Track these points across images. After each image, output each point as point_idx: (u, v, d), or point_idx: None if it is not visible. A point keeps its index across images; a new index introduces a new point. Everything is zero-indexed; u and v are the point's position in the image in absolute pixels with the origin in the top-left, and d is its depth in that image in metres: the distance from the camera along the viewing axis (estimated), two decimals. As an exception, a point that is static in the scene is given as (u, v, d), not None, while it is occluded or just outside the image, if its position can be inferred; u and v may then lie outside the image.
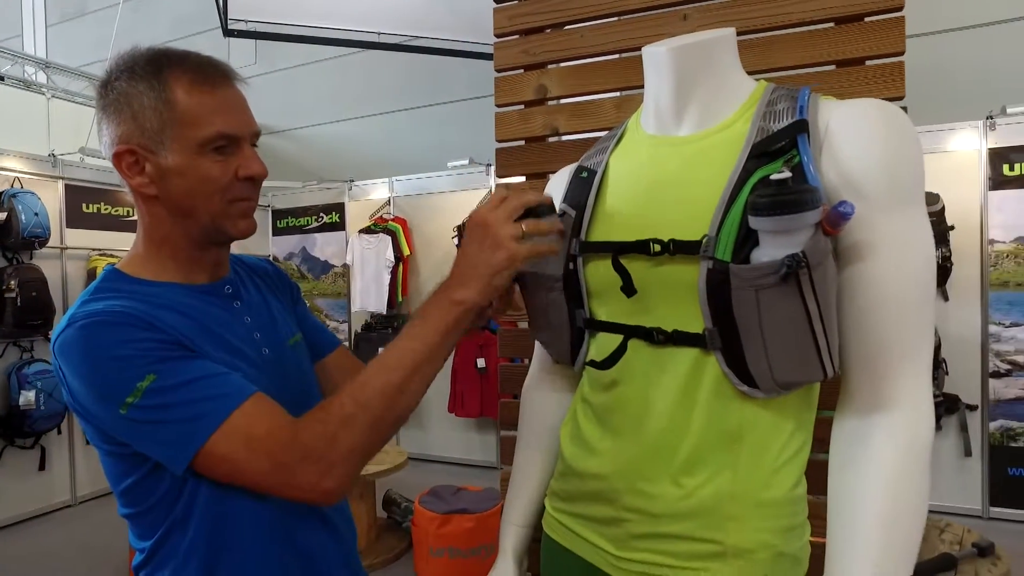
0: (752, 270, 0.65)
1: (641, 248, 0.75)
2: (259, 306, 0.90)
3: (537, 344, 0.98)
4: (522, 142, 1.30)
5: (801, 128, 0.68)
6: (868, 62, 1.04)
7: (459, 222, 4.31)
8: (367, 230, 4.67)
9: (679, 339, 0.74)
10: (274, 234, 5.23)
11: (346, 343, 4.82)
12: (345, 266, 4.83)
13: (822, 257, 0.64)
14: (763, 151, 0.69)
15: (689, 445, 0.74)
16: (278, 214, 5.20)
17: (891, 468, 0.67)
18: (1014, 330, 3.27)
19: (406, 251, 4.57)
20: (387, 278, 4.53)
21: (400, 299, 4.58)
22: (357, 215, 4.90)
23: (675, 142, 0.79)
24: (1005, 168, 3.26)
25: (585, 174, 0.87)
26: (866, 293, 0.68)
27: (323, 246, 5.07)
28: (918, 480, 0.67)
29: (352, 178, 4.96)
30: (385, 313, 4.59)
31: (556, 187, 0.96)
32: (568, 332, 0.86)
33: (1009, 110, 3.26)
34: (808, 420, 0.77)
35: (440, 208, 4.58)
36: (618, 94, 1.22)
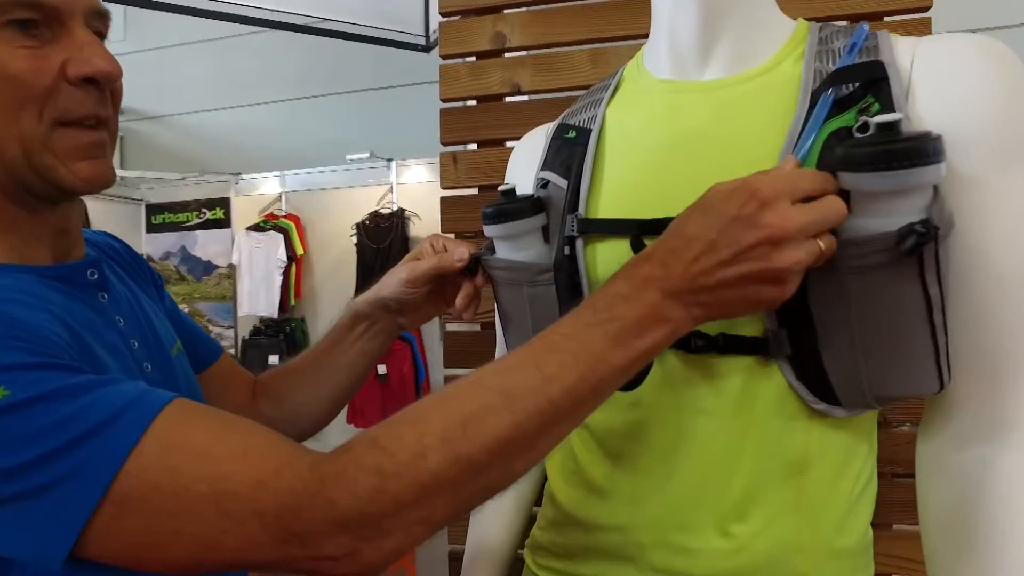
0: (859, 245, 0.49)
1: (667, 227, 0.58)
2: (129, 302, 0.62)
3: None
4: (473, 102, 1.13)
5: (878, 69, 0.54)
6: (887, 18, 0.95)
7: (359, 219, 4.11)
8: (256, 227, 4.33)
9: (728, 346, 0.57)
10: (148, 231, 4.72)
11: (232, 351, 4.44)
12: (231, 266, 4.45)
13: (949, 227, 0.49)
14: None
15: (741, 482, 0.58)
16: (153, 209, 4.69)
17: None
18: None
19: (299, 250, 4.29)
20: (278, 279, 4.22)
21: (293, 302, 4.28)
22: (245, 211, 4.51)
23: (702, 88, 0.63)
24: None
25: (573, 134, 0.70)
26: (981, 274, 0.53)
27: (205, 245, 4.63)
28: None
29: (239, 171, 4.56)
30: (276, 317, 4.27)
31: (526, 155, 0.78)
32: None
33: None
34: (875, 439, 0.63)
35: (337, 205, 4.32)
36: (594, 46, 1.08)
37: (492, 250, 0.72)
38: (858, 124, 0.51)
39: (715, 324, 0.57)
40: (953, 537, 0.55)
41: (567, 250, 0.64)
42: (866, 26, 0.59)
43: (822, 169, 0.50)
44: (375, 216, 4.10)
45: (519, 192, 0.71)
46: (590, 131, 0.68)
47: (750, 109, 0.59)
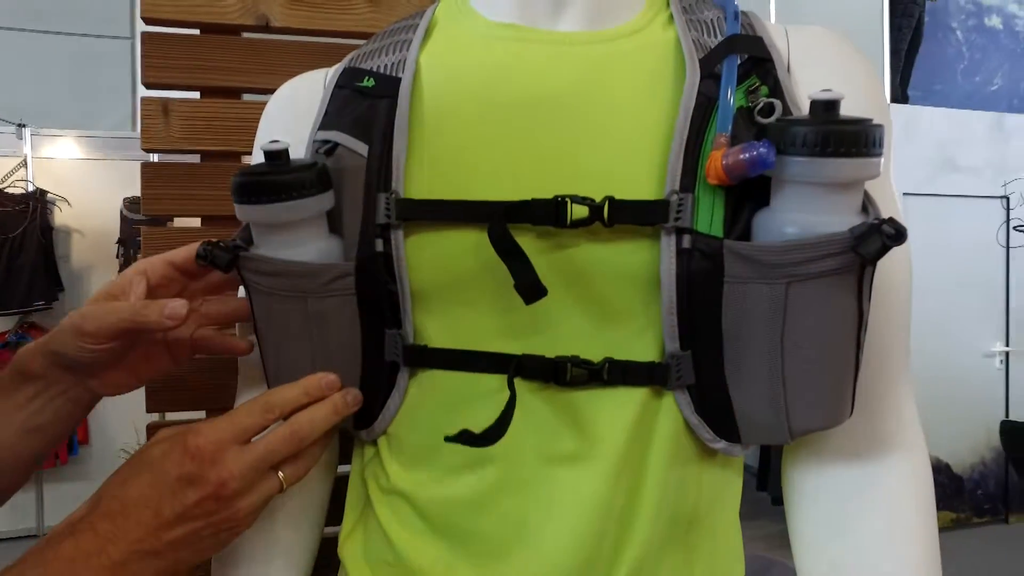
0: (812, 248, 0.41)
1: (542, 213, 0.45)
2: None
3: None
4: (195, 31, 0.82)
5: (762, 46, 0.50)
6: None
7: (-27, 202, 3.21)
8: None
9: (616, 375, 0.46)
10: None
11: None
12: None
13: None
14: (712, 71, 0.48)
15: (632, 552, 0.47)
16: None
17: (917, 528, 0.50)
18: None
19: None
20: None
21: None
22: None
23: (558, 40, 0.52)
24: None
25: (371, 82, 0.53)
26: None
27: None
28: (935, 535, 0.51)
29: None
30: None
31: (292, 106, 0.59)
32: (360, 371, 0.51)
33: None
34: None
35: (-63, 180, 3.29)
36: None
37: (249, 240, 0.51)
38: (759, 105, 0.45)
39: (600, 347, 0.47)
40: (837, 565, 0.51)
41: (380, 244, 0.47)
42: None
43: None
44: (-1, 197, 3.28)
45: (292, 156, 0.50)
46: (398, 79, 0.51)
47: (627, 73, 0.50)
